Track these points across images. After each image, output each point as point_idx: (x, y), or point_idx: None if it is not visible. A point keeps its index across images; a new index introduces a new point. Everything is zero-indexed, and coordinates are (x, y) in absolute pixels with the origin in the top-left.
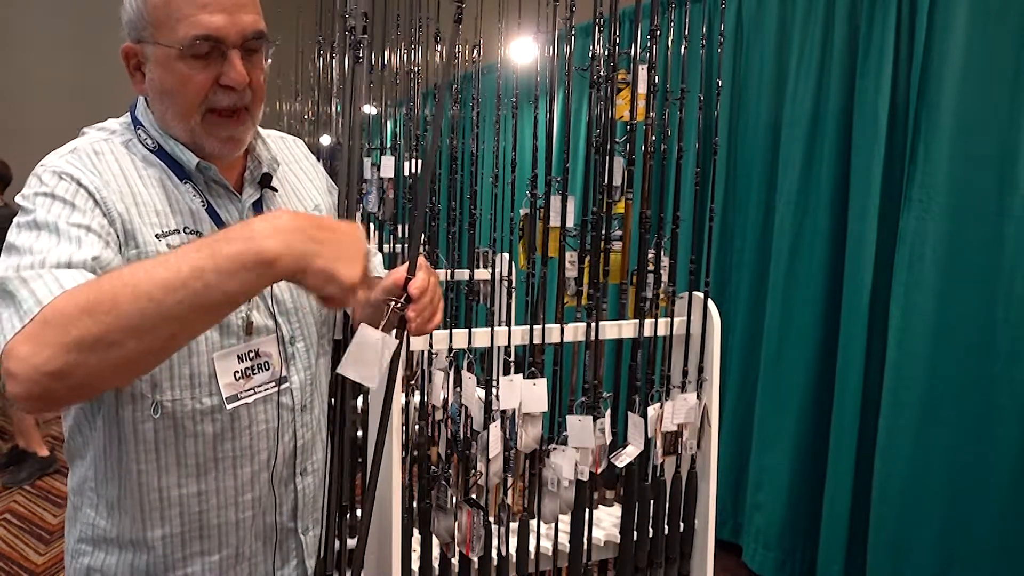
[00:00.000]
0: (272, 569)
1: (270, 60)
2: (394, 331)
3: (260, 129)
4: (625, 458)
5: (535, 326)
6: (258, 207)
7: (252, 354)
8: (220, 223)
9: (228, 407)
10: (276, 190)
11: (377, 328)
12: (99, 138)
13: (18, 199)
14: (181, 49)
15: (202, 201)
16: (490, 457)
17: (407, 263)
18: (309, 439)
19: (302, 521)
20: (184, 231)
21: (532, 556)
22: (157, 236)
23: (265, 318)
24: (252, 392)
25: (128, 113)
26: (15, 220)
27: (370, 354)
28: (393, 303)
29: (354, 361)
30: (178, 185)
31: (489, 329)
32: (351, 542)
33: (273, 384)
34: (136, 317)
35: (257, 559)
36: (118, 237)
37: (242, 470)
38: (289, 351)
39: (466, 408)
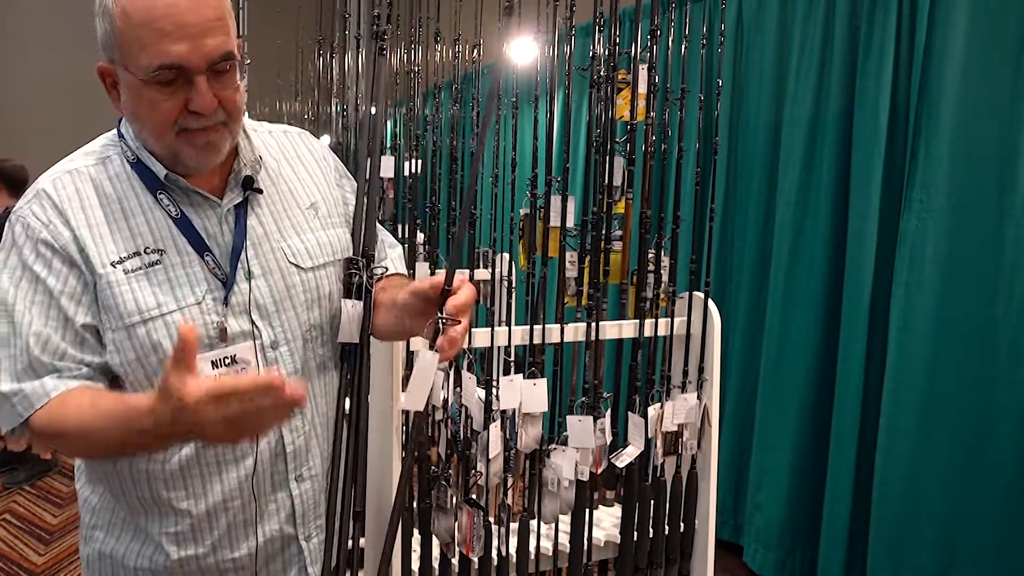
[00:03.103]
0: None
1: (245, 78)
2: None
3: (252, 123)
4: (625, 458)
5: (535, 326)
6: (240, 211)
7: (228, 360)
8: (195, 234)
9: None
10: (261, 191)
11: (428, 349)
12: (65, 169)
13: None
14: (144, 79)
15: (176, 211)
16: (490, 457)
17: (445, 275)
18: (302, 444)
19: (303, 528)
20: (145, 251)
21: (532, 556)
22: (113, 264)
23: (243, 323)
24: None
25: (117, 125)
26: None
27: (429, 376)
28: (443, 320)
29: (416, 388)
30: (147, 199)
31: (489, 329)
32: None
33: None
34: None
35: (257, 565)
36: (84, 274)
37: (228, 475)
38: (271, 356)
39: (466, 408)
